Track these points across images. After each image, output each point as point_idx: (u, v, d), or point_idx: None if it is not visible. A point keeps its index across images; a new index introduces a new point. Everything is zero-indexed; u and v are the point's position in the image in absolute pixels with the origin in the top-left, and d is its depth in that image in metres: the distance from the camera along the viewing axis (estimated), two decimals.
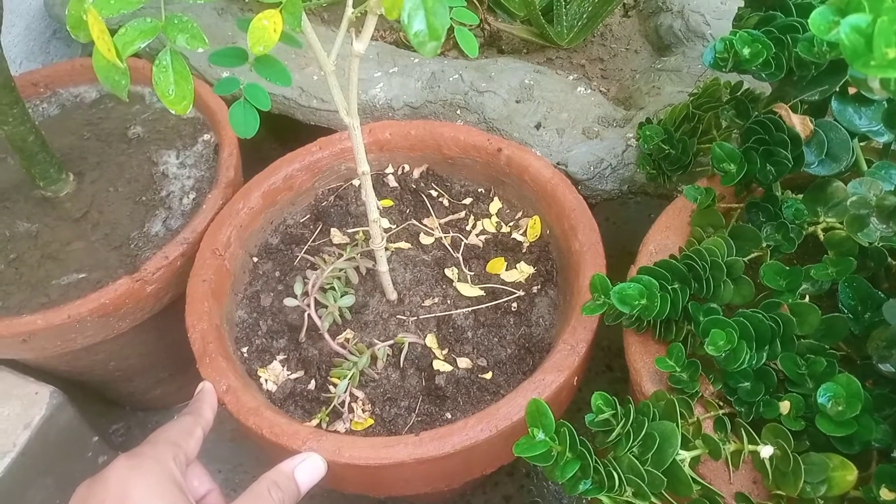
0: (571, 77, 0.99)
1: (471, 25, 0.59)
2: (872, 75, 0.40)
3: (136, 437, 1.08)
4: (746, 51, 0.59)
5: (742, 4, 0.71)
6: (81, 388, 0.95)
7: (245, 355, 0.76)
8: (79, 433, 0.88)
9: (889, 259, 0.60)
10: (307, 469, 0.61)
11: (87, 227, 0.86)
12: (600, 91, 0.99)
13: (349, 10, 0.54)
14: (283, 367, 0.74)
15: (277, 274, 0.82)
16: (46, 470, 0.83)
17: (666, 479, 0.51)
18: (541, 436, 0.52)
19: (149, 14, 0.43)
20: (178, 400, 1.09)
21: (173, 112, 0.42)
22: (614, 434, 0.54)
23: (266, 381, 0.73)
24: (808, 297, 0.60)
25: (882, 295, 0.58)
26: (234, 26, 1.03)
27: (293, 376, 0.73)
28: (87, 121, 0.99)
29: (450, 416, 0.69)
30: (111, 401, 1.08)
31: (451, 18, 0.57)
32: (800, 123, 0.62)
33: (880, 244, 0.59)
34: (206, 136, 0.95)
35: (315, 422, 0.70)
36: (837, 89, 0.60)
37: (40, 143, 0.84)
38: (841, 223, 0.61)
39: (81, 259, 0.83)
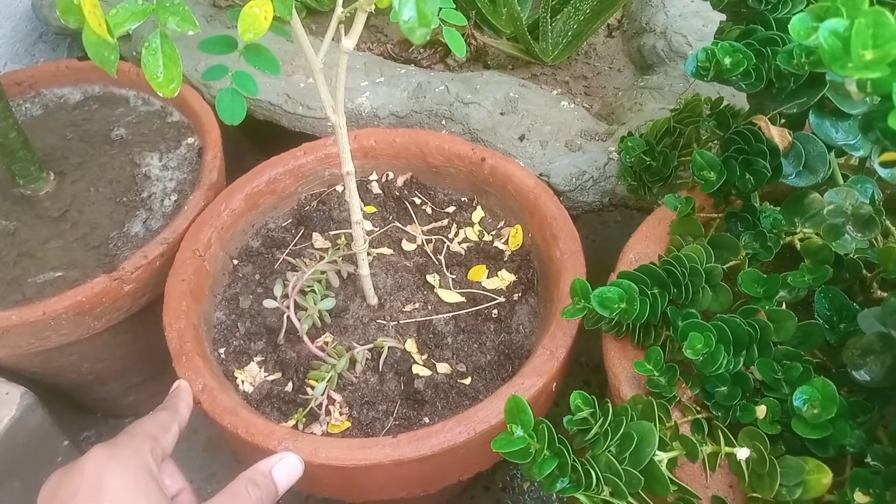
0: (555, 92, 1.00)
1: (459, 27, 0.60)
2: (850, 77, 0.41)
3: None
4: (728, 60, 0.60)
5: (723, 20, 0.73)
6: (53, 392, 0.93)
7: (222, 356, 0.75)
8: (49, 436, 0.86)
9: (864, 271, 0.61)
10: (285, 468, 0.60)
11: (66, 226, 0.86)
12: (583, 107, 1.00)
13: (339, 8, 0.55)
14: (260, 368, 0.74)
15: (257, 277, 0.82)
16: (13, 472, 0.81)
17: (643, 479, 0.51)
18: (519, 432, 0.52)
19: None
20: (150, 408, 1.05)
21: (161, 94, 0.42)
22: (592, 433, 0.54)
23: (243, 382, 0.72)
24: (784, 304, 0.61)
25: (857, 306, 0.59)
26: (223, 33, 1.03)
27: (270, 378, 0.73)
28: (70, 122, 0.98)
29: (428, 421, 0.69)
30: (83, 407, 1.06)
31: (439, 18, 0.58)
32: (778, 135, 0.63)
33: (856, 255, 0.60)
34: (190, 140, 0.94)
35: (291, 423, 0.69)
36: (815, 103, 0.62)
37: (22, 140, 0.83)
38: (818, 233, 0.62)
39: (59, 258, 0.82)
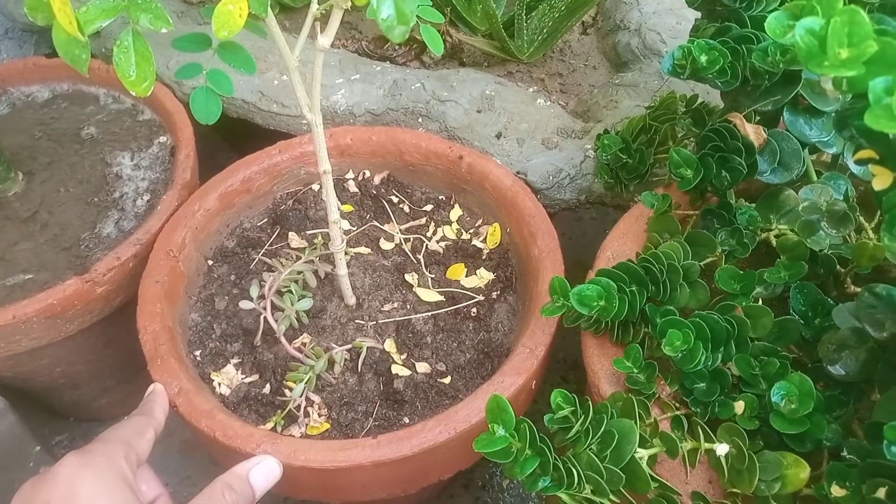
0: (531, 90, 1.00)
1: (436, 25, 0.59)
2: (826, 75, 0.41)
3: None
4: (704, 58, 0.61)
5: (698, 18, 0.73)
6: (24, 396, 0.92)
7: (198, 359, 0.74)
8: (20, 442, 0.85)
9: (838, 266, 0.62)
10: (262, 472, 0.59)
11: (36, 227, 0.84)
12: (559, 104, 1.00)
13: (314, 6, 0.54)
14: (237, 370, 0.73)
15: (233, 277, 0.81)
16: None
17: (624, 476, 0.51)
18: (501, 432, 0.52)
19: None
20: (124, 411, 1.04)
21: (133, 93, 0.41)
22: (573, 431, 0.54)
23: (219, 384, 0.72)
24: (761, 300, 0.61)
25: (831, 301, 0.60)
26: (194, 29, 1.01)
27: (248, 380, 0.72)
28: (38, 120, 0.97)
29: (408, 421, 0.69)
30: (55, 411, 1.04)
31: (416, 16, 0.57)
32: (753, 132, 0.63)
33: (830, 251, 0.61)
34: (163, 139, 0.93)
35: (270, 425, 0.68)
36: (789, 100, 0.62)
37: None
38: (793, 230, 0.63)
39: (29, 260, 0.81)
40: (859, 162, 0.47)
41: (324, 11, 0.53)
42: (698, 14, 0.74)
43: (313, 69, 0.55)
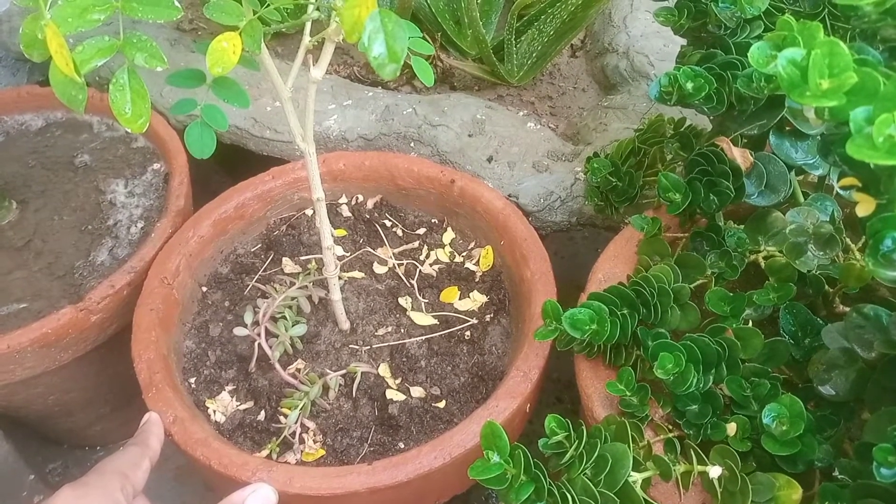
0: (521, 113, 1.01)
1: (425, 57, 0.60)
2: (808, 105, 0.42)
3: (74, 477, 1.03)
4: (690, 85, 0.62)
5: (684, 44, 0.75)
6: (18, 424, 0.91)
7: (193, 386, 0.74)
8: (14, 471, 0.84)
9: (826, 287, 0.62)
10: (258, 500, 0.59)
11: (30, 255, 0.84)
12: (549, 127, 1.01)
13: (307, 38, 0.55)
14: (232, 397, 0.73)
15: (227, 304, 0.81)
16: None
17: (619, 501, 0.51)
18: (495, 458, 0.53)
19: (106, 34, 0.43)
20: (118, 437, 1.05)
21: (129, 130, 0.42)
22: (567, 456, 0.54)
23: (214, 412, 0.72)
24: (751, 322, 0.62)
25: (821, 321, 0.60)
26: (186, 57, 1.03)
27: (242, 407, 0.72)
28: (32, 149, 0.97)
29: (403, 446, 0.69)
30: (49, 438, 1.03)
31: (407, 49, 0.58)
32: (740, 156, 0.64)
33: (818, 272, 0.62)
34: (156, 166, 0.93)
35: (265, 453, 0.68)
36: (775, 124, 0.63)
37: None
38: (781, 251, 0.63)
39: (23, 288, 0.81)
40: (844, 188, 0.48)
41: (316, 43, 0.54)
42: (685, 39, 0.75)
43: (306, 98, 0.56)
